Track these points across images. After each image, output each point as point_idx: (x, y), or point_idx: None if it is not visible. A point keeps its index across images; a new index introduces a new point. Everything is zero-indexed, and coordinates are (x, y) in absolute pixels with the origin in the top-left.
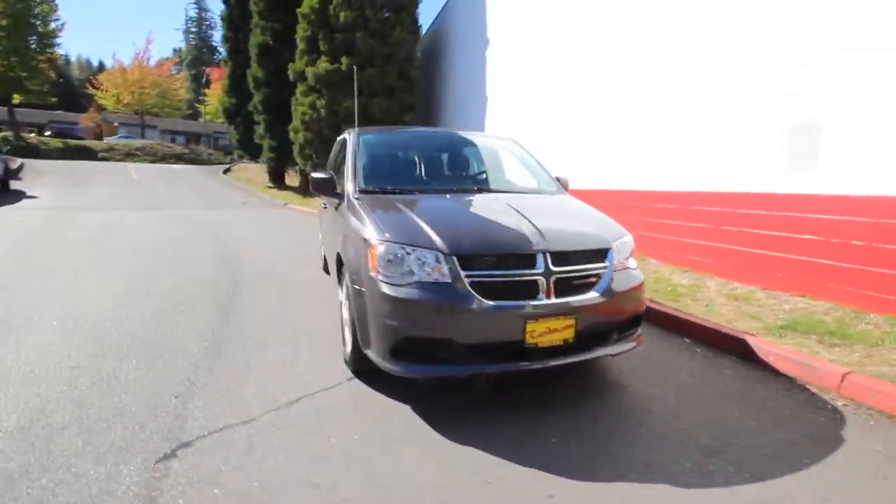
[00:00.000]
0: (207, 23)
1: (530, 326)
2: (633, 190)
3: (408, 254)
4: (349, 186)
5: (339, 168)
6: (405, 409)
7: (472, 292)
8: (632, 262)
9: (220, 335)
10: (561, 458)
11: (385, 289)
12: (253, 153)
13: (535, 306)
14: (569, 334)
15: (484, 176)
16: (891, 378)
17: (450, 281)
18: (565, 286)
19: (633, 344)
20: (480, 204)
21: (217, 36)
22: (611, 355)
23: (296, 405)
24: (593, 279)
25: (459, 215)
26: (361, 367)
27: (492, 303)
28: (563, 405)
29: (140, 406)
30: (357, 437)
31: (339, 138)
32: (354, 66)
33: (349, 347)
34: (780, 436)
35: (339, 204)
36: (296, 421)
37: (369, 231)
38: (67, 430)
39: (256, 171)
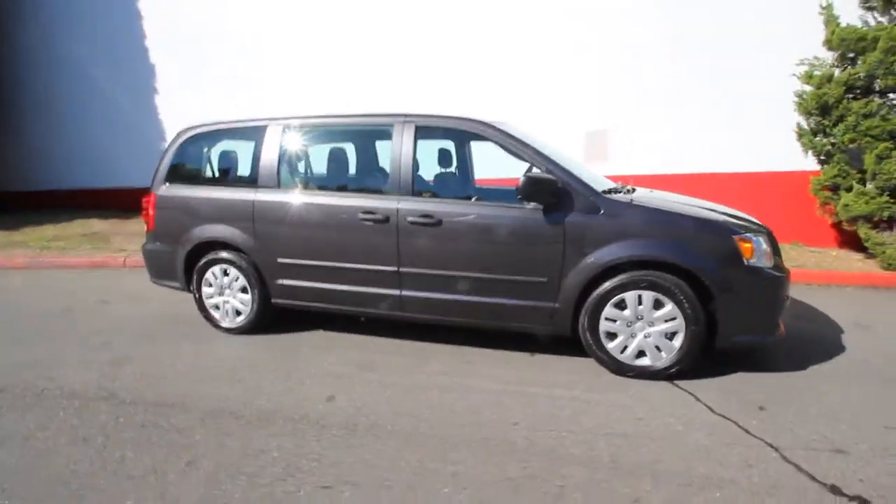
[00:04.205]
0: None
1: None
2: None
3: (754, 237)
4: (580, 188)
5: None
6: (730, 377)
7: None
8: None
9: None
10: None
11: (774, 272)
12: None
13: None
14: None
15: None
16: None
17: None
18: None
19: None
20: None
21: None
22: None
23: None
24: None
25: (697, 203)
26: (680, 367)
27: None
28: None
29: None
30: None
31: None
32: None
33: (666, 361)
34: None
35: (557, 206)
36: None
37: (721, 226)
38: None
39: None
